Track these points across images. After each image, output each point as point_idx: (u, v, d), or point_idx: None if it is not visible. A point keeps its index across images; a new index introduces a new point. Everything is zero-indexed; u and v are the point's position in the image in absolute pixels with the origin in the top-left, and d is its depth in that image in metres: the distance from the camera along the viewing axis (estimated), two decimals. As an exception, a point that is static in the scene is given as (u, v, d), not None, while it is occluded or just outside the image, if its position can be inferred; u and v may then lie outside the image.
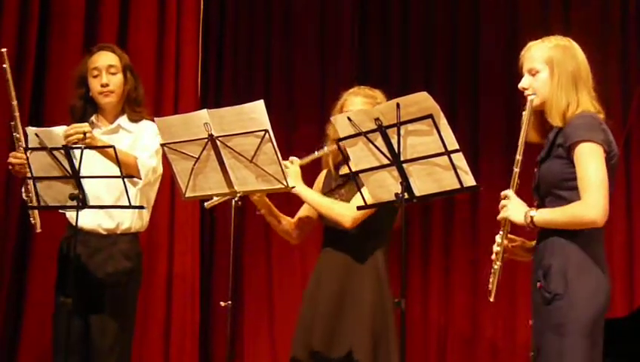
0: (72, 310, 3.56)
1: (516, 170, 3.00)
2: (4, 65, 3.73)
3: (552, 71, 2.97)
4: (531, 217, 2.93)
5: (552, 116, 2.97)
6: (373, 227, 3.61)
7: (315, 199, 3.64)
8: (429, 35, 5.99)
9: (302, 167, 3.64)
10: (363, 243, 3.61)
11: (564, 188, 2.91)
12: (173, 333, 5.27)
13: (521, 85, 3.04)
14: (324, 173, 3.86)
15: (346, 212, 3.55)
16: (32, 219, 3.79)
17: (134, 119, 3.89)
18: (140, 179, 3.76)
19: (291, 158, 3.61)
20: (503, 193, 3.02)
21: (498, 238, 3.06)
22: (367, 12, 6.08)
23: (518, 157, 3.00)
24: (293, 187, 3.50)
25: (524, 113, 3.01)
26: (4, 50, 3.76)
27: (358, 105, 3.64)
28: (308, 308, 3.65)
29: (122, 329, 3.81)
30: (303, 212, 3.84)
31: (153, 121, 3.64)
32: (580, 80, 2.97)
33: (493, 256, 3.07)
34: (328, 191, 3.75)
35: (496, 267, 3.05)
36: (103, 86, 3.85)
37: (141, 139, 3.83)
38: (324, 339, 3.55)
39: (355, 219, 3.55)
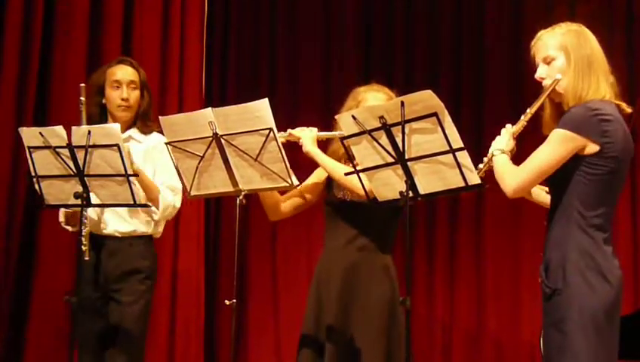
0: (76, 309, 3.58)
1: (528, 115, 3.04)
2: (81, 98, 3.80)
3: (568, 57, 2.94)
4: (493, 154, 3.03)
5: (567, 101, 2.94)
6: (380, 228, 3.61)
7: (329, 163, 3.58)
8: (434, 32, 5.98)
9: (306, 158, 3.62)
10: (371, 243, 3.60)
11: (559, 178, 2.90)
12: (178, 332, 5.27)
13: (537, 75, 3.01)
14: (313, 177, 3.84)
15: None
16: (83, 246, 3.73)
17: (145, 132, 3.99)
18: (157, 209, 3.87)
19: (311, 128, 3.61)
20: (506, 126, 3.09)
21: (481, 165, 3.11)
22: (372, 9, 6.07)
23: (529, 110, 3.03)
24: (298, 185, 3.49)
25: (546, 85, 2.99)
26: (82, 85, 3.83)
27: (381, 101, 3.58)
28: (314, 309, 3.63)
29: (137, 328, 3.86)
30: (300, 191, 3.80)
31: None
32: (597, 64, 2.93)
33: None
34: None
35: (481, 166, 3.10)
36: (123, 100, 3.93)
37: (166, 171, 3.87)
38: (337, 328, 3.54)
39: (371, 189, 3.45)
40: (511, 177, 2.93)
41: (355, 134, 3.10)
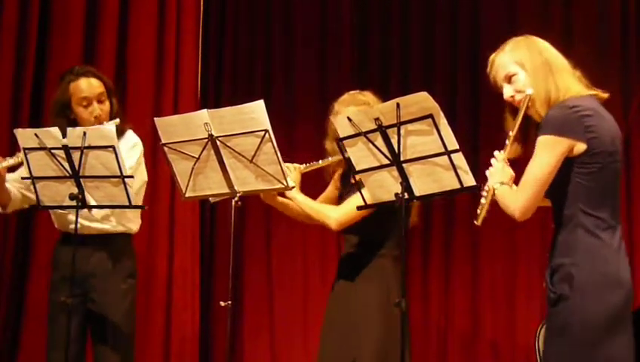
0: (71, 310, 3.57)
1: (510, 136, 3.00)
2: None
3: (524, 68, 2.93)
4: (494, 189, 2.94)
5: (537, 109, 2.90)
6: (377, 230, 3.62)
7: (305, 203, 3.64)
8: (429, 34, 5.98)
9: (300, 161, 3.65)
10: (369, 247, 3.62)
11: (556, 185, 2.86)
12: (174, 333, 5.27)
13: (506, 96, 2.99)
14: (331, 184, 3.89)
15: (332, 214, 3.59)
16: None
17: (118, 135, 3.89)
18: None
19: (295, 165, 3.62)
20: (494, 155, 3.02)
21: (483, 200, 2.99)
22: (367, 11, 6.07)
23: (511, 133, 2.99)
24: (293, 187, 3.50)
25: (517, 100, 2.97)
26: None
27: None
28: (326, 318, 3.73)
29: (125, 326, 3.85)
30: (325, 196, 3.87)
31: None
32: (555, 65, 2.91)
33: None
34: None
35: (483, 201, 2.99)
36: (96, 118, 3.82)
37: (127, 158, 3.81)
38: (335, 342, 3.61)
39: (341, 222, 3.58)
40: (514, 201, 2.86)
41: (350, 136, 3.11)
